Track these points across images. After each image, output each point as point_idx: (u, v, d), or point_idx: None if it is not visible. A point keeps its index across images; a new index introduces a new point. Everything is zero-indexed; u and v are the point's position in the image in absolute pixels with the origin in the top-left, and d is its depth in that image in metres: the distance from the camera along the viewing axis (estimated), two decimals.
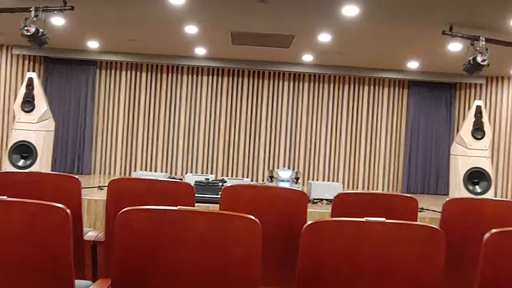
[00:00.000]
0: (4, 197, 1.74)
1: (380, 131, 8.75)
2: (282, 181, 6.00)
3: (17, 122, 6.01)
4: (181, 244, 1.67)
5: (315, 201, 5.87)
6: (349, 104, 8.74)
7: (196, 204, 2.84)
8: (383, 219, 1.73)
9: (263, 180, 8.51)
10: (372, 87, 8.76)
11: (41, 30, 5.34)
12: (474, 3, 4.76)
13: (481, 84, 8.59)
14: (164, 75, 8.62)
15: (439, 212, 3.27)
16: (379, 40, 6.41)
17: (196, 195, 2.79)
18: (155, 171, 8.50)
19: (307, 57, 7.77)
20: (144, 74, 8.59)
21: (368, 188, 8.70)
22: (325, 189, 5.92)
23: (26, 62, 8.29)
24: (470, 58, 5.58)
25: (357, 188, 8.69)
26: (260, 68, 8.45)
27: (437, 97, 8.68)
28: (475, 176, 6.12)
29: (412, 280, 1.72)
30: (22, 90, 6.09)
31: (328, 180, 8.63)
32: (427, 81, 8.53)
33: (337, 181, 8.53)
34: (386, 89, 8.78)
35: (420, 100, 8.66)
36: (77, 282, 1.84)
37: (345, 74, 8.58)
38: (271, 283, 2.02)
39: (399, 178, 8.75)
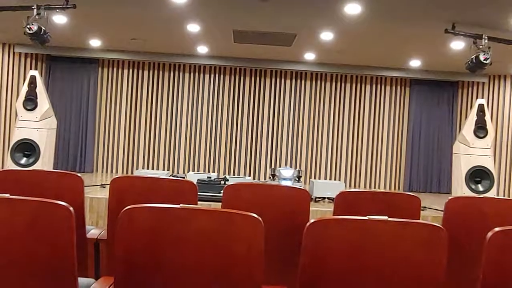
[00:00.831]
0: (7, 195, 1.74)
1: (382, 129, 8.74)
2: (284, 179, 6.00)
3: (20, 120, 6.02)
4: (184, 242, 1.67)
5: (317, 199, 5.87)
6: (351, 103, 8.73)
7: (198, 202, 2.84)
8: (385, 217, 1.73)
9: (265, 179, 8.51)
10: (374, 86, 8.75)
11: (43, 28, 5.34)
12: (477, 1, 4.75)
13: (483, 83, 8.57)
14: (166, 74, 8.62)
15: (442, 210, 3.26)
16: (381, 39, 6.40)
17: (198, 193, 2.79)
18: (157, 169, 8.51)
19: (309, 56, 7.76)
20: (146, 73, 8.60)
21: (370, 187, 8.70)
22: (327, 187, 5.92)
23: (28, 60, 8.30)
24: (473, 56, 5.56)
25: (359, 186, 8.68)
26: (262, 67, 8.45)
27: (439, 95, 8.67)
28: (478, 175, 6.10)
29: (415, 279, 1.72)
30: (25, 88, 6.10)
31: (330, 179, 8.63)
32: (429, 79, 8.52)
33: (339, 180, 8.53)
34: (388, 88, 8.77)
35: (422, 99, 8.65)
36: (80, 280, 1.84)
37: (347, 73, 8.57)
38: (274, 282, 2.02)
39: (401, 176, 8.74)
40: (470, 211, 2.72)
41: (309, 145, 8.69)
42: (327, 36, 6.35)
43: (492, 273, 1.69)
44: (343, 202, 2.77)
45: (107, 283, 1.91)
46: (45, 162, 5.97)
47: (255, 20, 5.87)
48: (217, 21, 6.06)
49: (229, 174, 8.44)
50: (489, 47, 5.40)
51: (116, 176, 2.80)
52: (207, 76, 8.66)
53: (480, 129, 6.17)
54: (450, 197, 2.81)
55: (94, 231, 2.89)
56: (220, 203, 2.76)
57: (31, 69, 7.91)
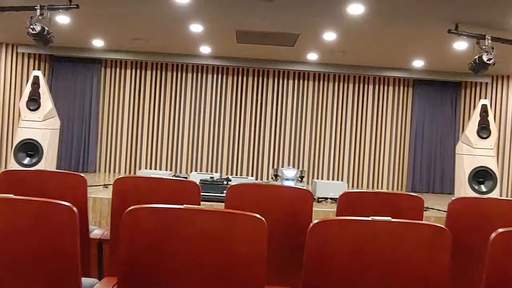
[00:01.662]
0: (10, 195, 1.74)
1: (385, 130, 8.73)
2: (287, 179, 6.00)
3: (23, 120, 6.03)
4: (187, 243, 1.67)
5: (320, 200, 5.87)
6: (354, 103, 8.72)
7: (201, 202, 2.84)
8: (388, 218, 1.72)
9: (267, 179, 8.51)
10: (377, 86, 8.74)
11: (46, 29, 5.36)
12: (480, 1, 4.74)
13: (486, 83, 8.56)
14: (169, 74, 8.63)
15: (444, 211, 3.26)
16: (384, 39, 6.40)
17: (201, 193, 2.79)
18: (160, 169, 8.52)
19: (312, 56, 7.76)
20: (149, 73, 8.61)
21: (372, 187, 8.69)
22: (330, 188, 5.92)
23: (32, 60, 8.32)
24: (476, 57, 5.55)
25: (361, 187, 8.68)
26: (265, 67, 8.45)
27: (442, 96, 8.65)
28: (481, 175, 6.09)
29: (418, 279, 1.71)
30: (28, 89, 6.11)
31: (333, 179, 8.62)
32: (432, 80, 8.50)
33: (342, 180, 8.53)
34: (391, 88, 8.76)
35: (425, 99, 8.63)
36: (83, 280, 1.84)
37: (350, 73, 8.56)
38: (276, 282, 2.02)
39: (404, 177, 8.73)
40: (473, 212, 2.72)
41: (312, 145, 8.68)
42: (330, 36, 6.35)
43: (496, 274, 1.68)
44: (346, 202, 2.76)
45: (110, 283, 1.92)
46: (48, 162, 5.97)
47: (258, 20, 5.87)
48: (220, 21, 6.06)
49: (231, 174, 8.45)
50: (492, 48, 5.39)
51: (120, 177, 2.80)
52: (209, 76, 8.66)
53: (483, 130, 6.16)
54: (453, 198, 2.80)
55: (97, 231, 2.89)
56: (223, 203, 2.76)
57: (34, 69, 7.94)
